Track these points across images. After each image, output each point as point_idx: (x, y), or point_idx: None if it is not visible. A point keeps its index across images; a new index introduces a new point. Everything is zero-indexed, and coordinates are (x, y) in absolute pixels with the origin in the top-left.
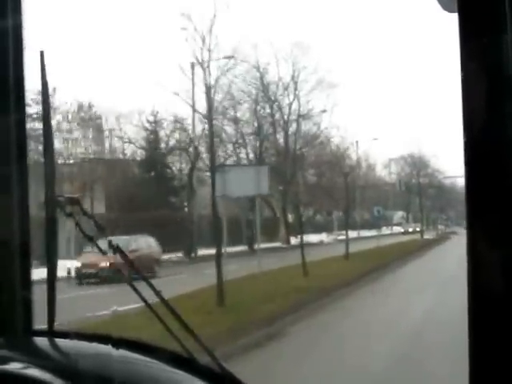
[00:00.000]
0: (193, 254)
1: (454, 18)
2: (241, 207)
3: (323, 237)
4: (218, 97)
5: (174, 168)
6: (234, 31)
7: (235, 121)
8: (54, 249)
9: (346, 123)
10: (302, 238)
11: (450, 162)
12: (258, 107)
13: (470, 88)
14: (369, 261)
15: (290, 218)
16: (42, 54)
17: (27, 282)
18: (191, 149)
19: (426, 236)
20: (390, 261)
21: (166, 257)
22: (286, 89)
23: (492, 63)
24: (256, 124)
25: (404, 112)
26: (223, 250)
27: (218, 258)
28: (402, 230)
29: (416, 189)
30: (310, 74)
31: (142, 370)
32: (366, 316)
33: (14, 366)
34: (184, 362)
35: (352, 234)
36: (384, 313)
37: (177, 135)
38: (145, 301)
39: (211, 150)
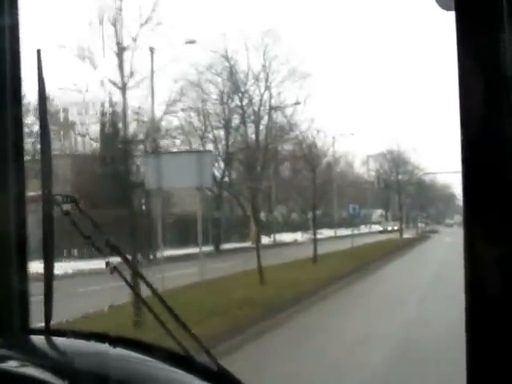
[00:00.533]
0: (151, 256)
1: (451, 16)
2: (208, 205)
3: (298, 236)
4: (184, 88)
5: (131, 162)
6: (201, 19)
7: (202, 113)
8: (50, 247)
9: (321, 117)
10: (258, 239)
11: (430, 158)
12: (227, 98)
13: (466, 86)
14: (339, 264)
15: (263, 216)
16: (38, 52)
17: (24, 280)
18: (148, 141)
19: (406, 235)
20: (363, 264)
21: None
22: (256, 79)
23: (489, 61)
24: (224, 116)
25: (382, 107)
26: (186, 252)
27: (134, 265)
28: (381, 229)
29: (395, 186)
30: (281, 63)
31: (140, 368)
32: (317, 349)
33: (11, 365)
34: (181, 361)
35: (329, 232)
36: (339, 344)
37: (134, 126)
38: (142, 299)
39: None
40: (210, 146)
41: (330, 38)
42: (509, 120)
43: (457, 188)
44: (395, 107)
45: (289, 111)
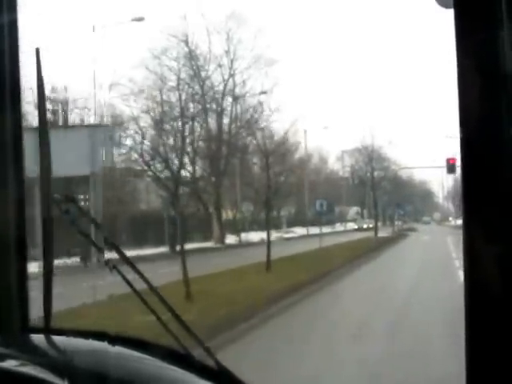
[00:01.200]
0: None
1: (449, 13)
2: (163, 201)
3: (263, 235)
4: (139, 75)
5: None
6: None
7: (159, 101)
8: (50, 246)
9: (290, 108)
10: (182, 244)
11: (407, 154)
12: (185, 85)
13: (465, 84)
14: (296, 272)
15: (231, 214)
16: (37, 51)
17: (23, 280)
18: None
19: (382, 233)
20: (326, 272)
21: (59, 262)
22: (219, 65)
23: (488, 59)
24: (180, 104)
25: (358, 99)
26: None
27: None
28: (356, 227)
29: (371, 182)
30: (246, 49)
31: (139, 366)
32: None
33: (11, 364)
34: (180, 358)
35: (302, 231)
36: None
37: (77, 114)
38: (142, 298)
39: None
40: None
41: (299, 23)
42: (507, 118)
43: (434, 184)
44: (371, 99)
45: (254, 101)
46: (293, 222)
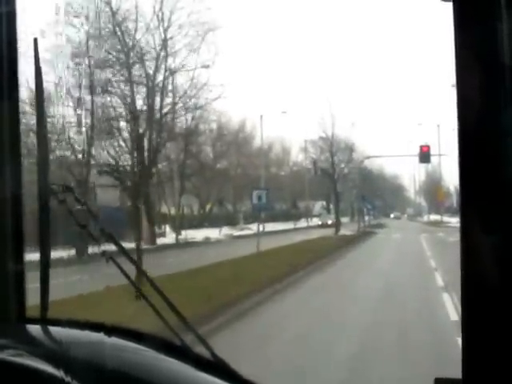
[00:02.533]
0: None
1: (448, 6)
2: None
3: (213, 233)
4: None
5: None
6: None
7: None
8: (46, 237)
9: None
10: (41, 251)
11: (377, 144)
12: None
13: (464, 76)
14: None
15: (173, 210)
16: (35, 41)
17: (20, 270)
18: None
19: (345, 230)
20: (253, 291)
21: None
22: (147, 29)
23: (486, 52)
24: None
25: (321, 81)
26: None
27: None
28: (320, 223)
29: (337, 174)
30: (184, 13)
31: (135, 357)
32: None
33: (7, 354)
34: (176, 350)
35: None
36: None
37: None
38: (138, 289)
39: None
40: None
41: None
42: (506, 112)
43: (405, 179)
44: (336, 83)
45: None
46: (252, 218)
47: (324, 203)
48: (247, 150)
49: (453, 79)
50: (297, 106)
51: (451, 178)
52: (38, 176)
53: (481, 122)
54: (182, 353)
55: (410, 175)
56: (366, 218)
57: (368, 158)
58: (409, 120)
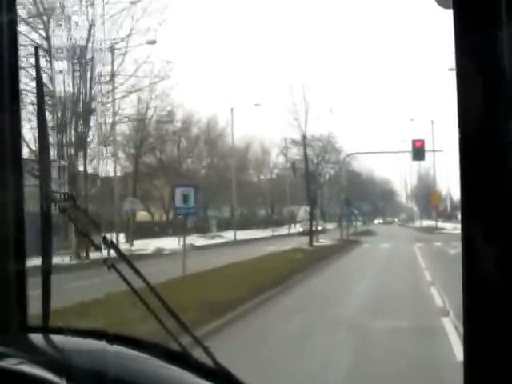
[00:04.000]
0: None
1: (449, 14)
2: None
3: (174, 243)
4: None
5: None
6: None
7: None
8: (48, 244)
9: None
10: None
11: (365, 142)
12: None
13: (464, 84)
14: None
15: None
16: (36, 49)
17: (22, 279)
18: None
19: (326, 239)
20: None
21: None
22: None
23: (487, 59)
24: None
25: (301, 73)
26: None
27: None
28: (301, 230)
29: (321, 176)
30: None
31: (137, 365)
32: None
33: (9, 363)
34: (179, 358)
35: (240, 235)
36: None
37: None
38: (140, 297)
39: None
40: None
41: None
42: (506, 118)
43: (396, 183)
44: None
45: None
46: (226, 225)
47: (307, 208)
48: (221, 149)
49: (450, 63)
50: (275, 100)
51: (446, 179)
52: (39, 183)
53: (482, 129)
54: (183, 360)
55: (401, 179)
56: (358, 223)
57: (351, 155)
58: (400, 116)
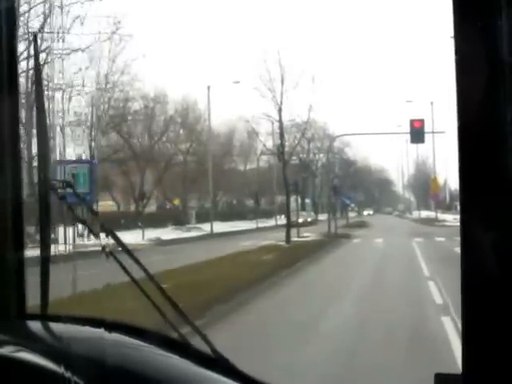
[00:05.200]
0: None
1: (448, 2)
2: None
3: (135, 237)
4: None
5: None
6: None
7: None
8: (47, 232)
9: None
10: None
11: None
12: None
13: (464, 72)
14: None
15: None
16: (35, 36)
17: (21, 266)
18: None
19: (313, 232)
20: None
21: None
22: None
23: (487, 47)
24: None
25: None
26: None
27: None
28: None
29: (312, 164)
30: None
31: (135, 353)
32: None
33: (7, 350)
34: (177, 346)
35: (216, 227)
36: None
37: None
38: (139, 286)
39: None
40: None
41: None
42: (506, 107)
43: (392, 172)
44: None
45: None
46: (208, 216)
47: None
48: (202, 134)
49: (450, 31)
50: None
51: (445, 168)
52: (38, 172)
53: (482, 118)
54: (182, 349)
55: (397, 167)
56: (347, 214)
57: (340, 136)
58: (395, 98)
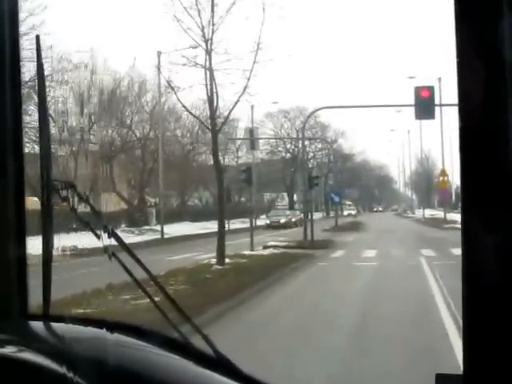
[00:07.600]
0: None
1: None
2: None
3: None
4: None
5: None
6: None
7: None
8: (49, 232)
9: None
10: None
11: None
12: None
13: (465, 72)
14: None
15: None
16: (37, 37)
17: (23, 266)
18: None
19: (276, 242)
20: None
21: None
22: None
23: (488, 47)
24: None
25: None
26: None
27: None
28: (268, 222)
29: (306, 158)
30: None
31: (137, 354)
32: None
33: (9, 350)
34: (179, 347)
35: (185, 228)
36: None
37: None
38: (141, 287)
39: None
40: None
41: None
42: (508, 107)
43: (393, 167)
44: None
45: None
46: (173, 216)
47: (285, 195)
48: (178, 120)
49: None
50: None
51: (450, 164)
52: (40, 172)
53: (483, 119)
54: (184, 349)
55: (398, 163)
56: (345, 212)
57: (322, 108)
58: (397, 73)
